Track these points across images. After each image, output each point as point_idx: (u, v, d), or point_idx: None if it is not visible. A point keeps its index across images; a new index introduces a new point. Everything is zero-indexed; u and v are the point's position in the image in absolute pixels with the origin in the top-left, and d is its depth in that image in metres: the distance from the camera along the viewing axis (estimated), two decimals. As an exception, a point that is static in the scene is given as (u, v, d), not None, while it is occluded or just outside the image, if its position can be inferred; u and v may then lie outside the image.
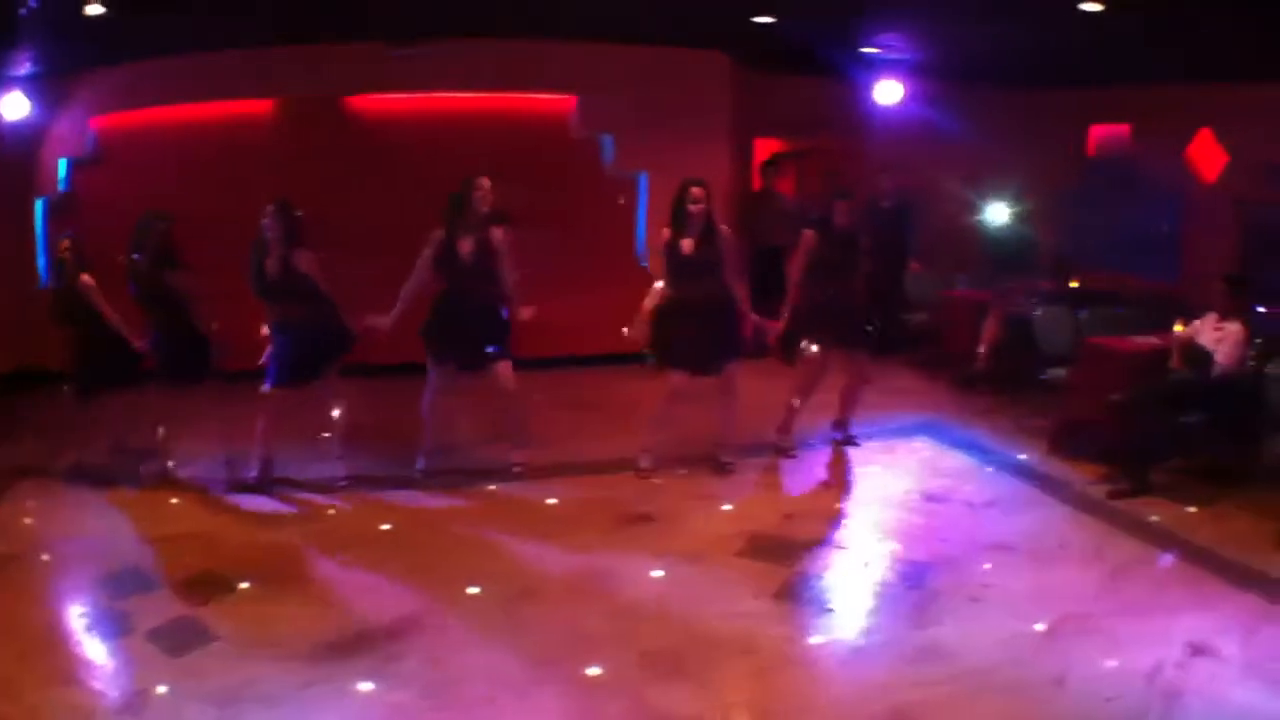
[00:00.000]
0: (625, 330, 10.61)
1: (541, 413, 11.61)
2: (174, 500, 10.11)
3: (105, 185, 13.56)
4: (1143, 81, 13.72)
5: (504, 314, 10.35)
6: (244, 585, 8.25)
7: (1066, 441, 11.32)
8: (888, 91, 15.55)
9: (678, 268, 10.37)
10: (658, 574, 8.47)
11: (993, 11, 10.65)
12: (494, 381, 10.49)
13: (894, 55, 14.44)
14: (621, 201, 15.32)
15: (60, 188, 14.01)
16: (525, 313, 10.31)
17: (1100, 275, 14.46)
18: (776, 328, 11.08)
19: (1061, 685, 6.80)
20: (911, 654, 7.27)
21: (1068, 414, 11.50)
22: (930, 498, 10.24)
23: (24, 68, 12.40)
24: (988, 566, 8.62)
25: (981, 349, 13.65)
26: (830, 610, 8.03)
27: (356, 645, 7.30)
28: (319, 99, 14.35)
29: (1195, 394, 10.30)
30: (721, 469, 10.82)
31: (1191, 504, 9.85)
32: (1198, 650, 7.14)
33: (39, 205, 14.00)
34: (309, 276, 9.92)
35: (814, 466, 11.24)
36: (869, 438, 11.83)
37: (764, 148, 17.05)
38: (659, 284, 10.55)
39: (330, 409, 10.56)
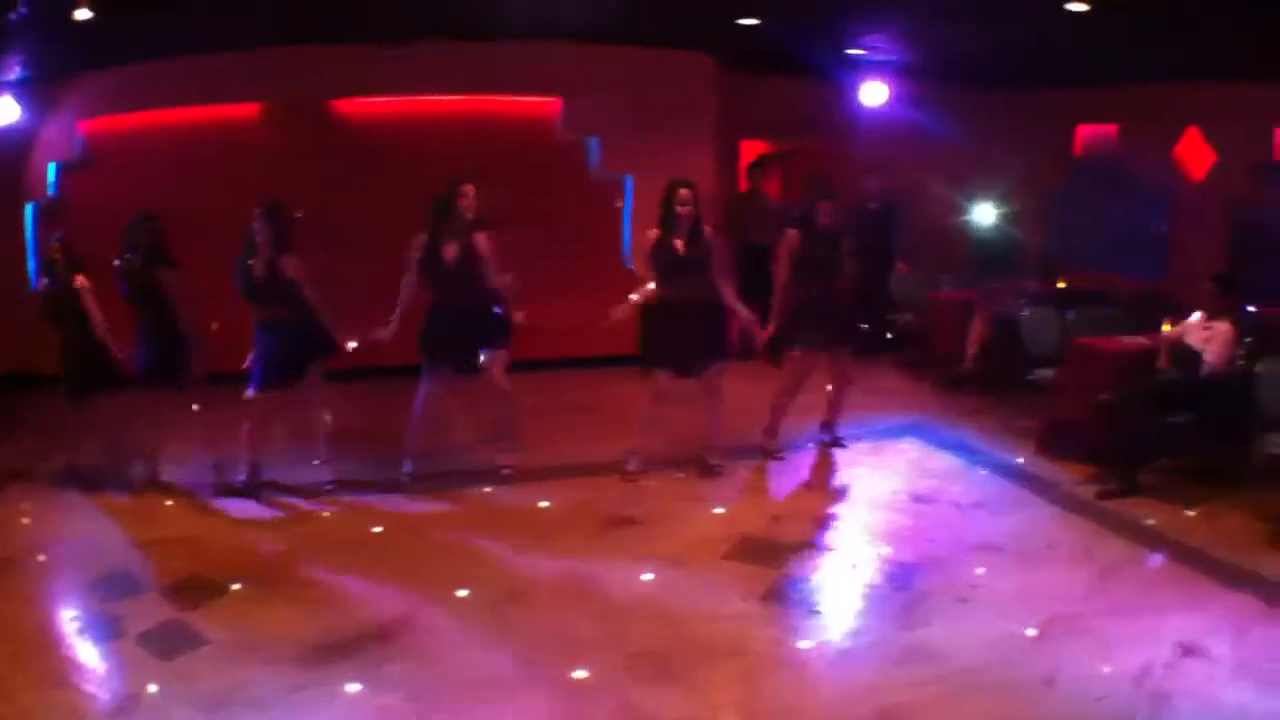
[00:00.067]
0: (610, 312, 10.56)
1: (528, 415, 11.57)
2: (163, 504, 10.08)
3: (94, 189, 13.56)
4: (1129, 81, 13.74)
5: (498, 311, 10.33)
6: (233, 589, 8.23)
7: (1054, 442, 11.32)
8: (873, 93, 15.54)
9: (667, 268, 10.36)
10: (645, 576, 8.45)
11: (978, 12, 10.65)
12: (487, 384, 10.48)
13: (879, 56, 14.45)
14: (619, 204, 15.31)
15: (50, 192, 13.99)
16: (518, 317, 10.31)
17: (1087, 275, 14.47)
18: (762, 335, 11.06)
19: (1050, 686, 6.79)
20: (899, 655, 7.25)
21: (1055, 414, 11.49)
22: (918, 499, 10.24)
23: (13, 72, 12.38)
24: (977, 568, 8.60)
25: (968, 350, 13.65)
26: (818, 612, 8.01)
27: (345, 648, 7.27)
28: (305, 102, 14.33)
29: (1183, 394, 10.29)
30: (709, 471, 10.80)
31: (1180, 504, 9.85)
32: (1188, 650, 7.14)
33: (29, 209, 13.97)
34: (295, 281, 9.89)
35: (801, 468, 11.22)
36: (856, 439, 11.82)
37: (750, 149, 17.04)
38: (650, 285, 10.53)
39: (315, 413, 10.53)
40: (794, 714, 6.66)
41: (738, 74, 15.29)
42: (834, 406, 11.69)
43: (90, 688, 6.84)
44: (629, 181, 15.39)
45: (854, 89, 15.55)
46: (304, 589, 8.30)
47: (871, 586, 8.41)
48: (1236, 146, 13.28)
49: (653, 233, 10.45)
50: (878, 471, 11.06)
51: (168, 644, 7.33)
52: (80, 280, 10.11)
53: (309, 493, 10.25)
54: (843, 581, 8.55)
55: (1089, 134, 15.67)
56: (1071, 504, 10.04)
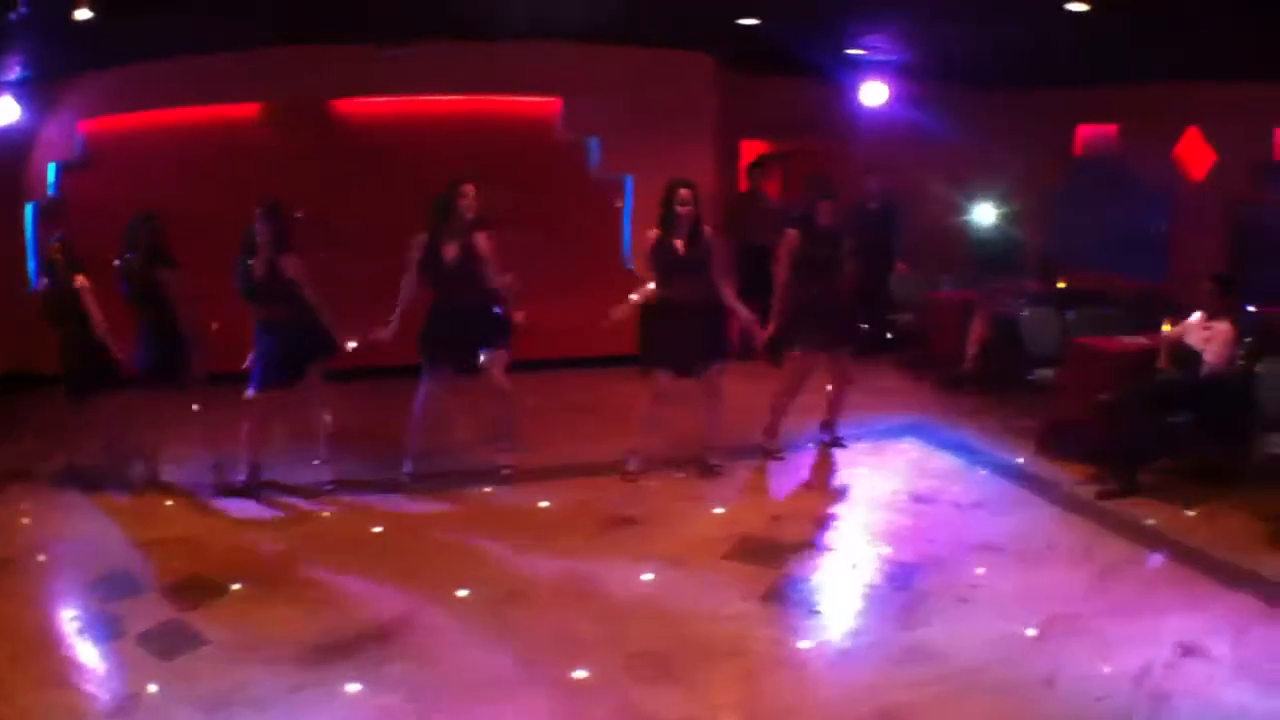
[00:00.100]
0: (610, 312, 10.56)
1: (528, 415, 11.57)
2: (163, 504, 10.08)
3: (94, 188, 13.57)
4: (1129, 81, 13.74)
5: (498, 311, 10.34)
6: (233, 589, 8.23)
7: (1054, 442, 11.31)
8: (873, 93, 15.53)
9: (668, 267, 10.36)
10: (645, 576, 8.45)
11: (978, 12, 10.65)
12: (487, 384, 10.49)
13: (879, 57, 14.45)
14: (618, 204, 15.31)
15: (50, 192, 14.00)
16: (518, 317, 10.31)
17: (1087, 275, 14.47)
18: (762, 335, 11.06)
19: (1050, 686, 6.78)
20: (899, 655, 7.25)
21: (1055, 414, 11.49)
22: (918, 499, 10.23)
23: (13, 73, 12.39)
24: (976, 568, 8.60)
25: (968, 350, 13.65)
26: (818, 612, 8.00)
27: (345, 648, 7.27)
28: (305, 102, 14.33)
29: (1183, 394, 10.29)
30: (709, 471, 10.80)
31: (1181, 504, 9.84)
32: (1188, 650, 7.14)
33: (29, 209, 13.97)
34: (295, 281, 9.90)
35: (801, 468, 11.22)
36: (856, 439, 11.82)
37: (750, 149, 17.04)
38: (650, 285, 10.53)
39: (316, 413, 10.54)
40: (794, 714, 6.65)
41: (738, 74, 15.29)
42: (834, 406, 11.69)
43: (90, 688, 6.84)
44: (629, 181, 15.39)
45: (854, 89, 15.55)
46: (304, 589, 8.30)
47: (871, 586, 8.40)
48: (1236, 146, 13.28)
49: (653, 233, 10.45)
50: (878, 471, 11.05)
51: (168, 644, 7.33)
52: (80, 280, 10.11)
53: (309, 493, 10.25)
54: (843, 581, 8.55)
55: (1089, 134, 15.66)
56: (1071, 504, 10.04)
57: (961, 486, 10.55)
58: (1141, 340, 11.21)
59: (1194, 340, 10.35)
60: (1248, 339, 10.44)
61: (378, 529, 9.53)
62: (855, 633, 7.71)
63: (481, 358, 10.27)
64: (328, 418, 10.61)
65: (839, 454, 11.55)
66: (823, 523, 9.73)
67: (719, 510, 9.95)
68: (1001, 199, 15.23)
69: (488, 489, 10.47)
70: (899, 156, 15.74)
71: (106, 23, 10.03)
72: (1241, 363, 10.23)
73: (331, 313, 10.11)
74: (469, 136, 14.43)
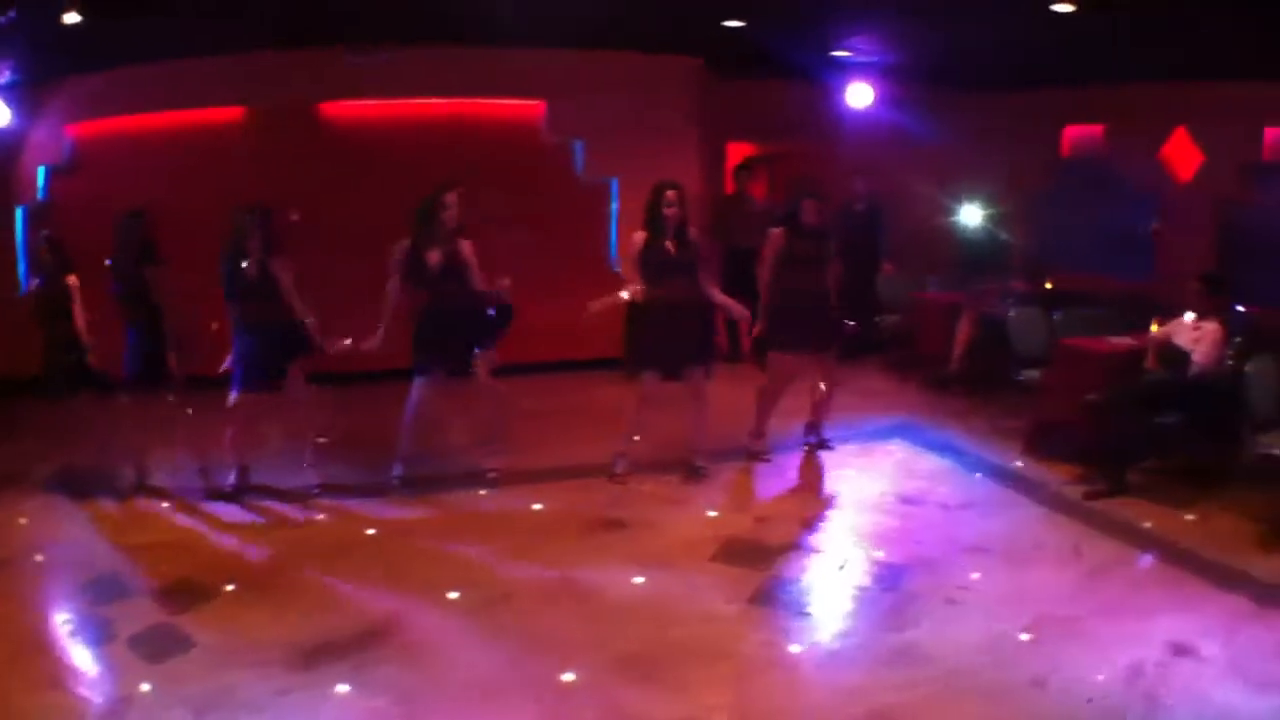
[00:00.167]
0: (590, 305, 10.54)
1: (515, 419, 11.55)
2: (153, 508, 10.07)
3: (82, 192, 13.53)
4: (1116, 81, 13.74)
5: (491, 314, 10.35)
6: (223, 592, 8.21)
7: (1042, 442, 11.31)
8: (859, 95, 15.53)
9: (656, 269, 10.34)
10: (633, 579, 8.42)
11: (964, 13, 10.64)
12: (475, 387, 10.48)
13: (865, 58, 14.45)
14: (616, 207, 15.28)
15: (39, 195, 13.99)
16: (504, 283, 10.27)
17: (1075, 276, 14.46)
18: (749, 319, 11.01)
19: (1040, 686, 6.77)
20: (888, 657, 7.24)
21: (1043, 415, 11.49)
22: (905, 500, 10.22)
23: (2, 77, 12.37)
24: (965, 569, 8.58)
25: (955, 350, 13.65)
26: (807, 614, 7.99)
27: (334, 651, 7.26)
28: (292, 105, 14.29)
29: (1171, 394, 10.27)
30: (695, 474, 10.76)
31: (1169, 504, 9.84)
32: (1179, 651, 7.13)
33: (19, 213, 13.96)
34: (281, 282, 9.90)
35: (788, 470, 11.20)
36: (843, 441, 11.80)
37: (736, 152, 17.05)
38: (633, 286, 10.50)
39: (301, 416, 10.51)
40: (783, 715, 6.66)
41: (723, 77, 15.29)
42: (819, 408, 11.65)
43: (83, 691, 6.84)
44: (614, 184, 15.36)
45: (840, 91, 15.56)
46: (293, 592, 8.27)
47: (860, 588, 8.39)
48: (1224, 147, 13.28)
49: (639, 235, 10.43)
50: (865, 473, 11.04)
51: (158, 647, 7.33)
52: (71, 280, 10.17)
53: (298, 496, 10.22)
54: (831, 583, 8.53)
55: (1075, 134, 15.66)
56: (1059, 504, 10.04)
57: (949, 487, 10.54)
58: (1129, 340, 11.21)
59: (1182, 340, 10.35)
60: (1237, 339, 10.44)
61: (367, 532, 9.50)
62: (844, 634, 7.68)
63: (469, 359, 10.26)
64: (317, 435, 10.61)
65: (826, 456, 11.54)
66: (810, 524, 9.70)
67: (706, 513, 9.93)
68: (988, 200, 15.23)
69: (477, 492, 10.44)
70: (885, 158, 15.75)
71: (94, 27, 10.03)
72: (1230, 363, 10.23)
73: (312, 314, 10.11)
74: (455, 140, 14.43)
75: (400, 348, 10.23)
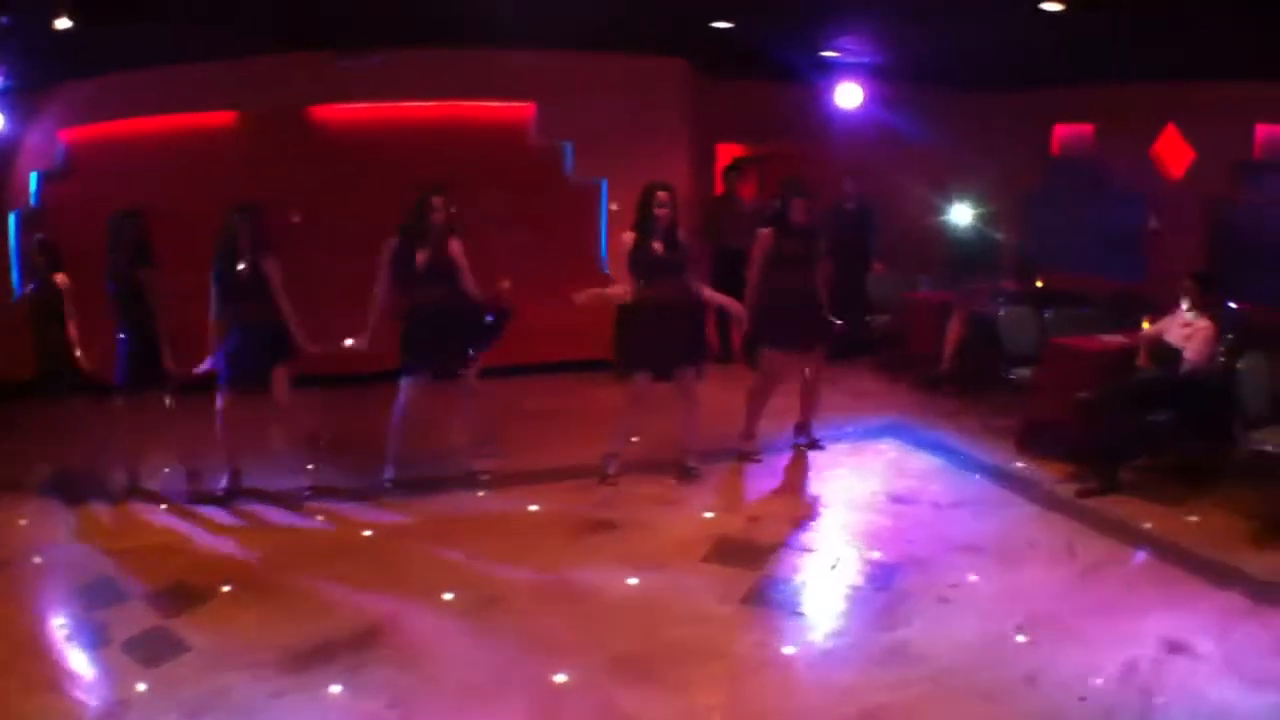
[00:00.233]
0: (575, 296, 10.54)
1: (505, 420, 11.59)
2: (145, 511, 10.03)
3: (75, 197, 13.48)
4: (1106, 80, 13.75)
5: (490, 318, 10.38)
6: (216, 596, 8.19)
7: (1033, 441, 11.32)
8: (848, 95, 15.52)
9: (647, 269, 10.32)
10: (625, 580, 8.41)
11: (953, 12, 10.64)
12: (464, 388, 10.49)
13: (854, 58, 14.45)
14: (615, 208, 15.21)
15: (32, 201, 13.97)
16: (504, 285, 10.28)
17: (1065, 275, 14.46)
18: (743, 315, 11.00)
19: (1033, 685, 6.76)
20: (881, 656, 7.23)
21: (1034, 413, 11.50)
22: (897, 499, 10.22)
23: (-3, 83, 12.40)
24: (957, 568, 8.57)
25: (946, 350, 13.65)
26: (799, 613, 7.97)
27: (328, 654, 7.24)
28: (283, 109, 14.28)
29: (1163, 391, 10.28)
30: (687, 474, 10.75)
31: (1162, 502, 9.85)
32: (1172, 648, 7.13)
33: (12, 219, 13.94)
34: (271, 281, 9.91)
35: (779, 470, 11.19)
36: (835, 440, 11.80)
37: (726, 153, 17.04)
38: (620, 285, 10.50)
39: (290, 418, 10.50)
40: (776, 715, 6.64)
41: (712, 78, 15.29)
42: (808, 408, 11.65)
43: (80, 694, 6.83)
44: (604, 185, 15.36)
45: (829, 92, 15.54)
46: (286, 595, 8.25)
47: (852, 587, 8.38)
48: (1215, 145, 13.29)
49: (628, 235, 10.42)
50: (857, 473, 11.03)
51: (152, 651, 7.32)
52: (60, 278, 10.20)
53: (289, 499, 10.20)
54: (823, 583, 8.51)
55: (1065, 133, 15.68)
56: (1052, 503, 10.04)
57: (941, 486, 10.54)
58: (1120, 339, 11.22)
59: (1174, 337, 10.36)
60: (1228, 336, 10.44)
61: (359, 534, 9.49)
62: (837, 634, 7.68)
63: (461, 361, 10.28)
64: (310, 437, 10.59)
65: (818, 456, 11.52)
66: (802, 524, 9.69)
67: (699, 513, 9.91)
68: (978, 199, 15.23)
69: (468, 494, 10.43)
70: (875, 158, 15.75)
71: (86, 32, 10.04)
72: (1222, 360, 10.23)
73: (298, 316, 10.13)
74: (445, 142, 14.40)
75: (390, 349, 10.25)
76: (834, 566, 8.73)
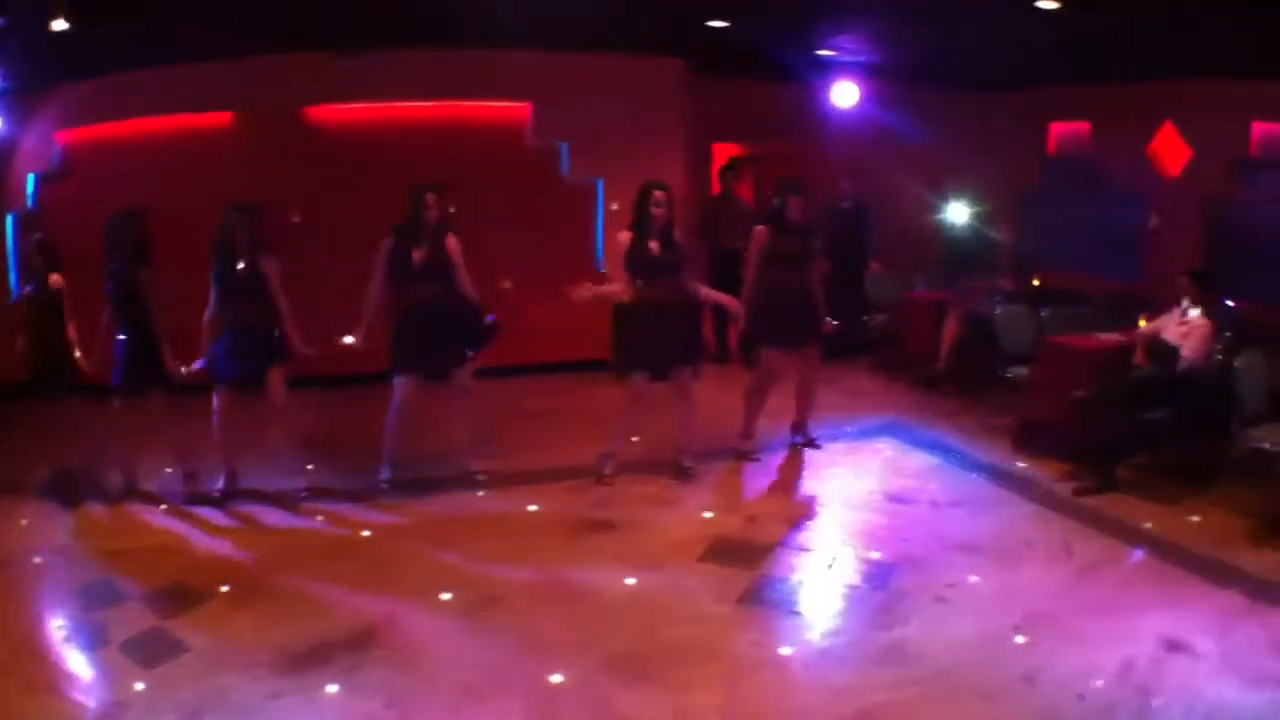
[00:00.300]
0: (569, 291, 10.53)
1: (503, 420, 11.58)
2: (143, 512, 10.03)
3: (72, 198, 13.50)
4: (1102, 79, 13.74)
5: (487, 319, 10.42)
6: (213, 597, 8.19)
7: (1030, 440, 11.32)
8: (844, 94, 15.52)
9: (644, 269, 10.31)
10: (622, 580, 8.40)
11: (950, 11, 10.63)
12: (458, 388, 10.47)
13: (850, 58, 14.45)
14: (614, 207, 15.20)
15: (29, 203, 14.00)
16: (505, 285, 10.29)
17: (1062, 274, 14.46)
18: (740, 312, 11.00)
19: (1031, 684, 6.75)
20: (878, 655, 7.23)
21: (1031, 412, 11.49)
22: (894, 498, 10.21)
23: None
24: (955, 567, 8.56)
25: (942, 349, 13.65)
26: (796, 613, 7.96)
27: (324, 654, 7.24)
28: (280, 109, 14.28)
29: (1160, 389, 10.27)
30: (683, 474, 10.74)
31: (1159, 500, 9.85)
32: (1171, 647, 7.12)
33: (9, 220, 13.97)
34: (269, 280, 9.92)
35: (776, 470, 11.18)
36: (832, 439, 11.80)
37: (722, 153, 17.05)
38: (615, 284, 10.50)
39: (285, 419, 10.49)
40: (774, 715, 6.62)
41: (709, 78, 15.28)
42: (803, 407, 11.64)
43: (78, 695, 6.83)
44: (600, 185, 15.36)
45: (826, 91, 15.55)
46: (283, 596, 8.24)
47: (849, 587, 8.37)
48: (1212, 144, 13.29)
49: (625, 235, 10.42)
50: (854, 472, 11.02)
51: (150, 652, 7.32)
52: (55, 278, 10.19)
53: (287, 500, 10.18)
54: (820, 582, 8.50)
55: (1062, 132, 15.68)
56: (1049, 501, 10.03)
57: (938, 485, 10.53)
58: (1117, 337, 11.22)
59: (1171, 335, 10.36)
60: (1226, 333, 10.44)
61: (356, 535, 9.48)
62: (834, 633, 7.67)
63: (457, 361, 10.28)
64: (306, 438, 10.58)
65: (815, 455, 11.50)
66: (799, 524, 9.68)
67: (695, 513, 9.90)
68: (974, 198, 15.22)
69: (465, 494, 10.42)
70: (872, 157, 15.74)
71: (82, 33, 10.04)
72: (1219, 357, 10.22)
73: (297, 315, 10.14)
74: (442, 142, 14.40)
75: (387, 348, 10.25)
76: (831, 566, 8.73)
